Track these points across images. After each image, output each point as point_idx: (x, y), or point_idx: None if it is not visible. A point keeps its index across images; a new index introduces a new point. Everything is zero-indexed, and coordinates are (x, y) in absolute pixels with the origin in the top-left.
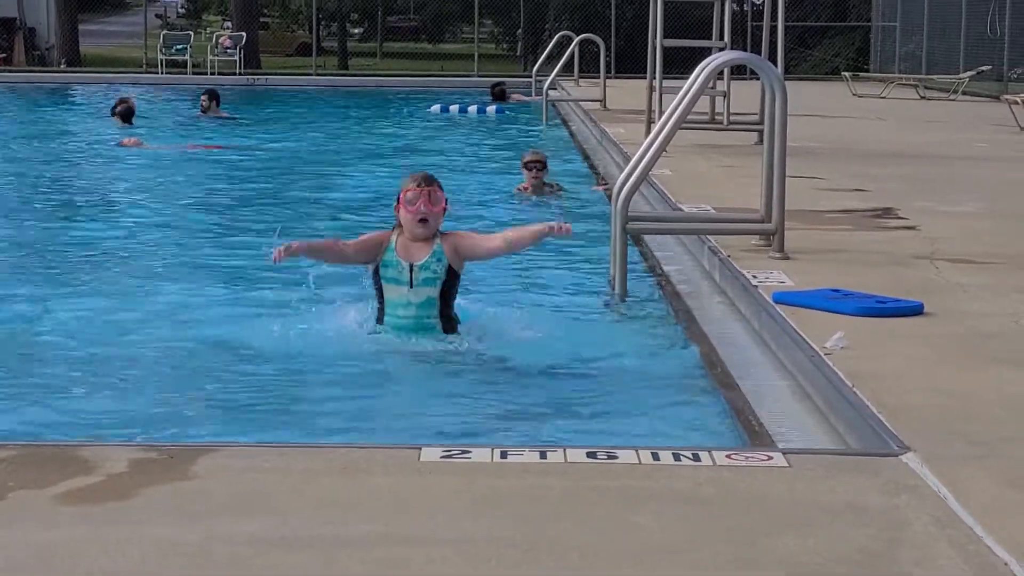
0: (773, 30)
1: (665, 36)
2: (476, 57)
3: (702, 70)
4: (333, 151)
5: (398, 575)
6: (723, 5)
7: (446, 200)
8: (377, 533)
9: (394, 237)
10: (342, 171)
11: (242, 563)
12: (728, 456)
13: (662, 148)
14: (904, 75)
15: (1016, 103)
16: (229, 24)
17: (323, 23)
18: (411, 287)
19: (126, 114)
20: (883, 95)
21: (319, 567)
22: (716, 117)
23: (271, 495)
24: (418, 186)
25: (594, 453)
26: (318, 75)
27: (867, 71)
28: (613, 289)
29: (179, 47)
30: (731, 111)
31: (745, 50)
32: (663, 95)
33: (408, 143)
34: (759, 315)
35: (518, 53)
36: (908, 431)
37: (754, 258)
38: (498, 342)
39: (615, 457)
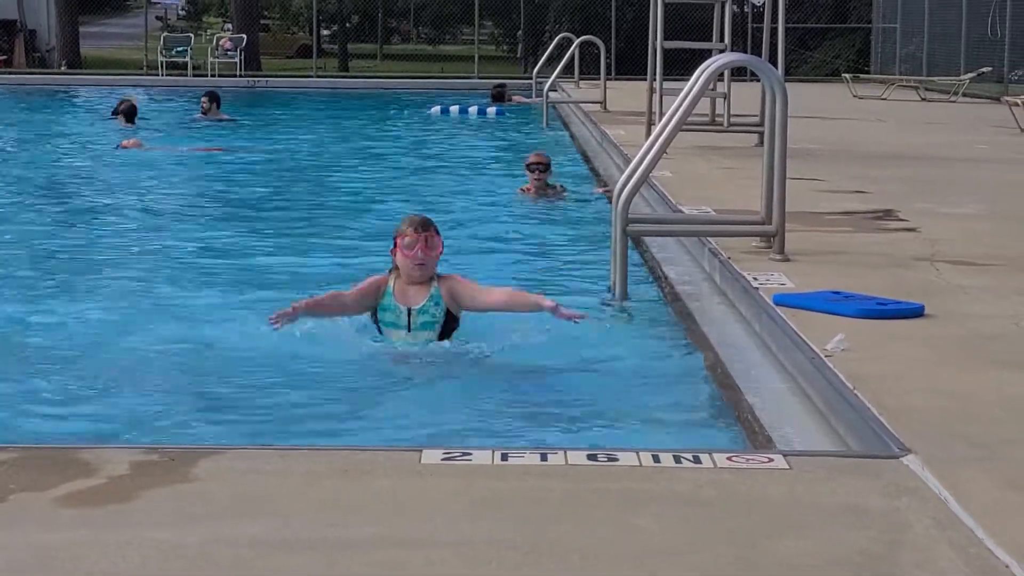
0: (773, 32)
1: (665, 38)
2: (476, 59)
3: (702, 72)
4: (333, 153)
5: None
6: (723, 7)
7: (442, 244)
8: (378, 535)
9: (391, 281)
10: (342, 173)
11: (243, 565)
12: (729, 458)
13: (663, 150)
14: (904, 77)
15: (1017, 105)
16: (229, 26)
17: (324, 24)
18: (409, 331)
19: (129, 112)
20: (883, 97)
21: (320, 569)
22: (716, 119)
23: (272, 497)
24: (415, 231)
25: (595, 455)
26: (318, 77)
27: (867, 73)
28: (613, 291)
29: (179, 49)
30: (731, 113)
31: (745, 52)
32: (663, 97)
33: (408, 145)
34: (760, 317)
35: (518, 55)
36: (909, 433)
37: (754, 260)
38: (499, 344)
39: (616, 459)
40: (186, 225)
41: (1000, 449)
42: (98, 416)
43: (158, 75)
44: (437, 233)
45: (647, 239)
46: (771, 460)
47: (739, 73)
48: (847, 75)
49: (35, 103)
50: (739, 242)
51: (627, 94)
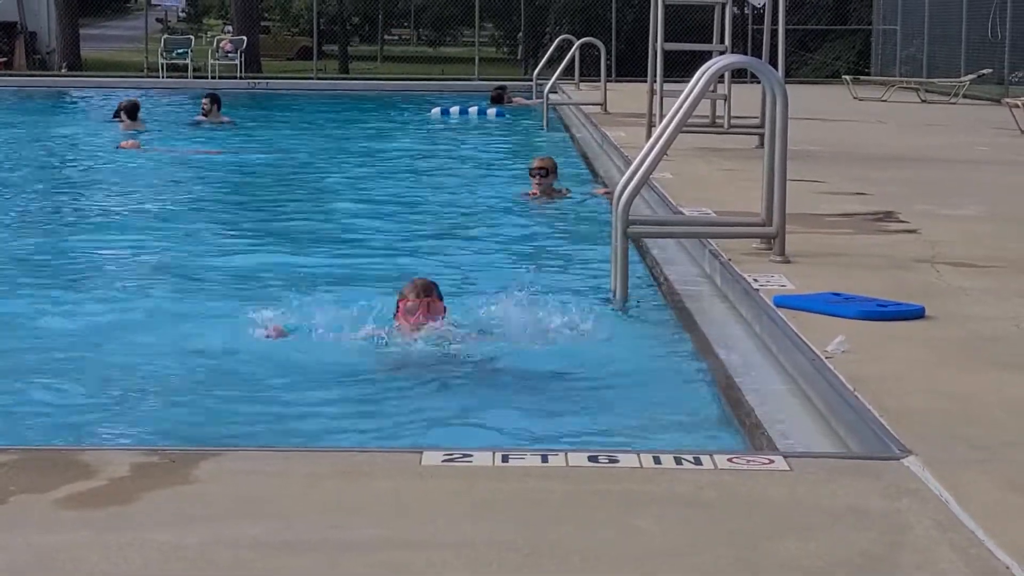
0: (774, 33)
1: (666, 40)
2: (477, 61)
3: (703, 74)
4: (334, 155)
5: None
6: (724, 9)
7: (445, 309)
8: (379, 536)
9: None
10: (342, 175)
11: (244, 567)
12: (729, 460)
13: (663, 152)
14: (905, 78)
15: (1017, 106)
16: (230, 28)
17: (324, 26)
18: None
19: (131, 110)
20: (884, 98)
21: (322, 570)
22: (717, 120)
23: (273, 499)
24: (417, 296)
25: (595, 457)
26: (319, 79)
27: (868, 74)
28: (614, 293)
29: (180, 51)
30: (732, 115)
31: (746, 53)
32: (664, 99)
33: (408, 146)
34: (760, 318)
35: (519, 57)
36: (909, 435)
37: (755, 262)
38: (499, 346)
39: (616, 461)
40: (185, 226)
41: (1001, 450)
42: (98, 417)
43: (158, 77)
44: (440, 298)
45: (647, 241)
46: (772, 461)
47: (739, 75)
48: (847, 77)
49: (35, 105)
50: (739, 244)
51: (627, 96)
